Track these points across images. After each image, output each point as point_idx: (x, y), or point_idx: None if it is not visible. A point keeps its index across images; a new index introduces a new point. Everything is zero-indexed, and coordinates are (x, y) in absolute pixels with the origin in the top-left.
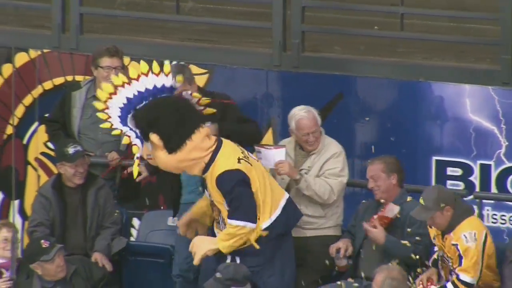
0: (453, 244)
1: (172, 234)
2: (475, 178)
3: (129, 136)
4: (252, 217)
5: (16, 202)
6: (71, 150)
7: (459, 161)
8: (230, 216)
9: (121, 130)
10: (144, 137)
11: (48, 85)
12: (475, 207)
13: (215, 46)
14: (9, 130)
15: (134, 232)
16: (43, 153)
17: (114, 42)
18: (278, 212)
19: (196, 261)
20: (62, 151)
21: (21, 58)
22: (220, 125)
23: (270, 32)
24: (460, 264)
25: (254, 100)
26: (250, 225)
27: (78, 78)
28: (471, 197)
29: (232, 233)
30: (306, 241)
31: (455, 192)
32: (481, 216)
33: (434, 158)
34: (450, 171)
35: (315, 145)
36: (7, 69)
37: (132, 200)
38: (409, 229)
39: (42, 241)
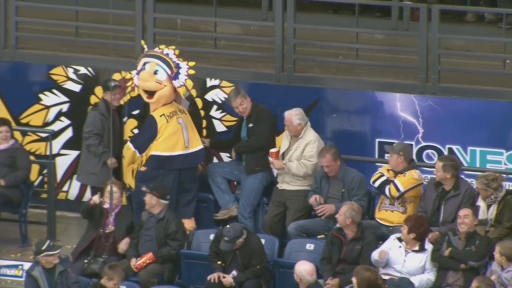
0: (405, 175)
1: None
2: None
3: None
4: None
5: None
6: None
7: (393, 141)
8: (130, 139)
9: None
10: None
11: (133, 94)
12: None
13: (236, 69)
14: None
15: None
16: (130, 136)
17: None
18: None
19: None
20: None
21: (116, 76)
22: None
23: (272, 60)
24: (404, 176)
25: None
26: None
27: None
28: None
29: (124, 151)
30: (289, 192)
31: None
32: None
33: (377, 139)
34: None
35: (291, 133)
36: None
37: None
38: (343, 190)
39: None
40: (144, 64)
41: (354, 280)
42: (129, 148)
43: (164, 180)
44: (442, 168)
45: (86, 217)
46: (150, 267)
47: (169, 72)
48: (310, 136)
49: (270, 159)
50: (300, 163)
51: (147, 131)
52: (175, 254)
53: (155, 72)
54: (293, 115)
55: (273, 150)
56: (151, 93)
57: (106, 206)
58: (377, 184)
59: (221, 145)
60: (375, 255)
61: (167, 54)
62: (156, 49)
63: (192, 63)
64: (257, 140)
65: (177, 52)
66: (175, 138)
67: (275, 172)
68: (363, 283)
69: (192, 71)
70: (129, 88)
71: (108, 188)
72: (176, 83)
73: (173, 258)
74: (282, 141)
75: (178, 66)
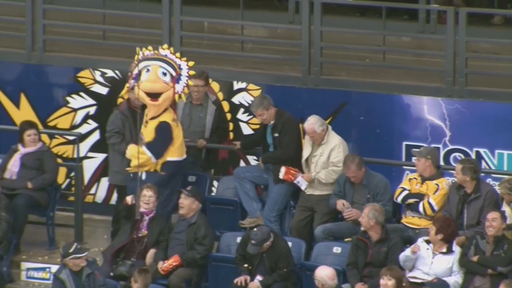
0: (436, 184)
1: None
2: None
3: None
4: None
5: None
6: None
7: (420, 144)
8: (146, 145)
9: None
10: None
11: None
12: None
13: (263, 72)
14: None
15: (214, 189)
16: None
17: (203, 69)
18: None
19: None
20: None
21: None
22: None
23: (299, 62)
24: (434, 193)
25: (292, 105)
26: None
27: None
28: None
29: (134, 153)
30: (316, 197)
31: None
32: None
33: (404, 143)
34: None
35: (316, 141)
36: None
37: (212, 169)
38: (368, 195)
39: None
40: (143, 68)
41: (390, 282)
42: (144, 153)
43: (177, 184)
44: (461, 170)
45: (125, 217)
46: (180, 272)
47: (174, 74)
48: (334, 140)
49: (298, 178)
50: (329, 171)
51: (164, 138)
52: (200, 258)
53: (164, 74)
54: (314, 124)
55: (281, 174)
56: (155, 96)
57: (142, 209)
58: (399, 199)
59: (250, 145)
60: (406, 251)
61: (165, 55)
62: (147, 52)
63: (191, 63)
64: (285, 153)
65: (171, 49)
66: (184, 143)
67: (303, 186)
68: (399, 283)
69: (192, 72)
70: (124, 91)
71: (143, 192)
72: (178, 87)
73: (197, 263)
74: (304, 147)
75: (180, 67)
